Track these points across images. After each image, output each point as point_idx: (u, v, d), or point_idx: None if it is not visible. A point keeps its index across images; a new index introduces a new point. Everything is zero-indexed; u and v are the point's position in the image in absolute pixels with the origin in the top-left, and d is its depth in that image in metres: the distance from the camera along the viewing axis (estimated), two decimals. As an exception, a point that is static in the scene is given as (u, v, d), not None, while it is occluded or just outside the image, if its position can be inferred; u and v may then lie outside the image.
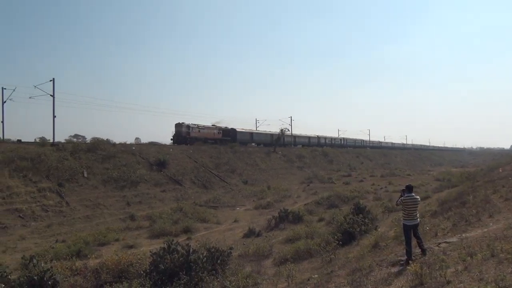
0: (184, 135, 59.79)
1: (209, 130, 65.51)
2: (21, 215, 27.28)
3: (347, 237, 16.83)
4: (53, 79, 44.48)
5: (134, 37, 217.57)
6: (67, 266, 16.32)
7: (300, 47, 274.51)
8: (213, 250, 14.34)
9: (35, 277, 13.77)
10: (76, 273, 15.93)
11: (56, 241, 23.64)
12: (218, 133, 67.31)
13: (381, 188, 41.98)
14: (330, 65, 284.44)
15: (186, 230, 25.77)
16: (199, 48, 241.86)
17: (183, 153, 51.70)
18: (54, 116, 44.13)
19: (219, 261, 13.87)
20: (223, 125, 71.99)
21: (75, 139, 63.05)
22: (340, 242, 15.17)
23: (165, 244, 14.73)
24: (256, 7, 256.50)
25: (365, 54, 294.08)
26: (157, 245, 19.73)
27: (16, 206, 27.84)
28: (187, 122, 61.52)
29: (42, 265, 15.25)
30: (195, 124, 62.50)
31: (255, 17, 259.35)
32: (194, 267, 12.88)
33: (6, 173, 30.63)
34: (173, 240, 15.40)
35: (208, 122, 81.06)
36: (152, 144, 59.12)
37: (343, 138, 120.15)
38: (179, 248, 14.27)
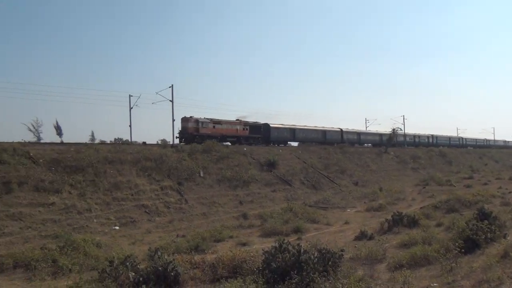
0: (191, 131, 48.90)
1: (229, 126, 54.16)
2: (147, 210, 29.97)
3: (470, 245, 15.46)
4: (172, 85, 48.10)
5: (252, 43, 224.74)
6: (187, 260, 17.49)
7: (406, 41, 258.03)
8: (324, 251, 14.23)
9: (160, 268, 15.02)
10: (195, 266, 16.98)
11: (177, 235, 25.48)
12: (244, 129, 55.79)
13: (510, 192, 37.89)
14: (445, 60, 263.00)
15: (296, 230, 25.95)
16: (306, 49, 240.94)
17: (291, 154, 52.32)
18: (173, 120, 47.82)
19: (330, 263, 13.72)
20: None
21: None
22: (462, 250, 14.03)
23: (277, 243, 15.03)
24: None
25: (487, 47, 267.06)
26: (268, 243, 20.23)
27: (142, 202, 30.65)
28: (197, 116, 50.45)
29: (166, 257, 16.59)
30: (208, 119, 51.30)
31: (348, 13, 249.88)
32: (305, 267, 12.92)
33: (134, 172, 33.87)
34: (284, 240, 15.65)
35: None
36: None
37: (462, 137, 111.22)
38: (290, 247, 14.45)
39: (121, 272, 15.82)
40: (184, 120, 49.42)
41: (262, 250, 15.46)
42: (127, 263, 16.31)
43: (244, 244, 22.69)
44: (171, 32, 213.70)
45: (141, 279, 14.90)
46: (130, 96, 53.45)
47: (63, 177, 29.34)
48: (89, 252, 20.62)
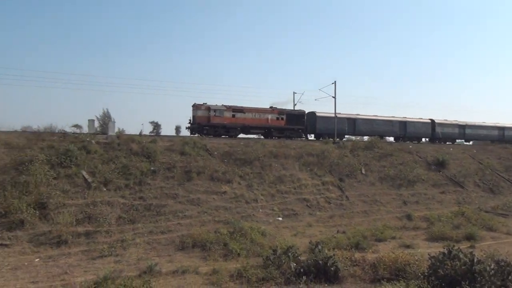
0: (200, 121, 41.97)
1: (255, 115, 44.57)
2: (308, 204, 30.73)
3: None
4: (335, 81, 48.15)
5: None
6: (346, 256, 17.46)
7: None
8: (503, 263, 12.66)
9: (320, 262, 15.31)
10: (355, 264, 16.85)
11: (337, 231, 25.56)
12: (279, 118, 45.54)
13: None
14: None
15: (469, 237, 23.61)
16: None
17: (464, 153, 47.53)
18: (335, 116, 47.85)
19: (510, 277, 12.15)
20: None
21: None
22: None
23: (445, 249, 13.94)
24: None
25: None
26: (435, 248, 18.86)
27: (304, 196, 31.51)
28: (210, 103, 43.13)
29: (326, 251, 16.83)
30: (226, 106, 43.37)
31: None
32: (479, 279, 11.71)
33: (297, 167, 35.03)
34: (453, 246, 14.41)
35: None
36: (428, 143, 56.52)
37: None
38: (461, 255, 13.25)
39: (283, 261, 16.63)
40: (194, 107, 42.45)
41: (428, 255, 14.52)
42: (289, 253, 17.04)
43: (407, 247, 21.60)
44: (330, 29, 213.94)
45: (301, 270, 15.42)
46: (294, 93, 55.56)
47: (234, 168, 32.02)
48: (255, 239, 22.17)
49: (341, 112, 49.15)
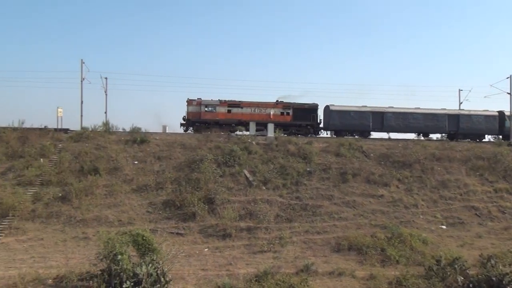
0: (190, 117, 40.22)
1: (255, 110, 40.93)
2: (477, 213, 27.74)
3: None
4: (510, 75, 42.57)
5: None
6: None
7: None
8: None
9: (494, 278, 13.70)
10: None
11: (515, 245, 22.54)
12: (283, 113, 41.16)
13: None
14: None
15: None
16: None
17: None
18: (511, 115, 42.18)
19: None
20: None
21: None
22: None
23: None
24: None
25: None
26: None
27: (472, 203, 28.54)
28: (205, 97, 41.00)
29: (501, 267, 14.98)
30: (221, 100, 40.78)
31: None
32: None
33: (463, 171, 31.92)
34: None
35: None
36: None
37: None
38: None
39: (448, 273, 15.35)
40: (187, 103, 40.66)
41: None
42: (456, 266, 15.66)
43: None
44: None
45: (470, 285, 14.04)
46: (459, 90, 51.18)
47: (391, 171, 30.73)
48: (415, 247, 20.96)
49: (368, 106, 42.30)
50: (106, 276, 16.06)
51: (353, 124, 40.66)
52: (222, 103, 40.64)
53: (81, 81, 36.53)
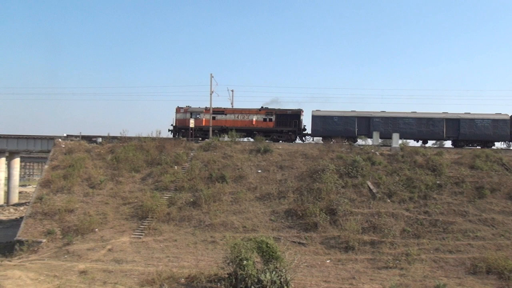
0: (177, 124, 41.29)
1: (238, 117, 40.74)
2: None
3: None
4: None
5: None
6: None
7: None
8: None
9: None
10: None
11: None
12: (266, 120, 40.14)
13: None
14: None
15: None
16: None
17: None
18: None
19: None
20: None
21: None
22: None
23: None
24: None
25: None
26: None
27: None
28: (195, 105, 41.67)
29: None
30: (206, 108, 40.93)
31: None
32: None
33: None
34: None
35: None
36: None
37: None
38: None
39: None
40: (176, 111, 41.62)
41: None
42: None
43: None
44: None
45: None
46: None
47: (539, 187, 27.06)
48: None
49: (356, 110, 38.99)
50: (233, 279, 16.82)
51: (336, 130, 38.02)
52: (207, 110, 41.06)
53: (211, 94, 38.94)
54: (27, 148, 40.95)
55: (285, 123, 39.84)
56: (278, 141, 38.73)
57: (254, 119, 40.38)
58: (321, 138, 38.63)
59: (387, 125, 37.73)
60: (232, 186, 29.30)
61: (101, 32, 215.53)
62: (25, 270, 21.57)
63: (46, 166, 34.06)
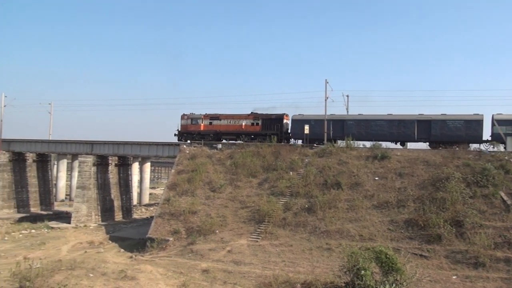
0: (181, 130, 45.44)
1: (230, 121, 43.40)
2: None
3: None
4: None
5: None
6: None
7: None
8: None
9: None
10: None
11: None
12: (254, 124, 42.37)
13: None
14: None
15: None
16: None
17: None
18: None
19: None
20: None
21: None
22: None
23: None
24: None
25: None
26: None
27: None
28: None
29: None
30: (205, 114, 44.78)
31: None
32: None
33: None
34: None
35: None
36: None
37: None
38: None
39: None
40: (181, 117, 46.08)
41: None
42: None
43: None
44: None
45: None
46: None
47: None
48: None
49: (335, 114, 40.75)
50: (350, 289, 16.44)
51: (313, 132, 38.95)
52: (204, 116, 44.74)
53: (325, 100, 38.55)
54: (156, 154, 44.83)
55: (270, 127, 41.71)
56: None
57: (243, 124, 43.02)
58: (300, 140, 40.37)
59: (360, 127, 38.40)
60: (347, 193, 28.69)
61: (219, 42, 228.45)
62: (155, 265, 23.64)
63: (172, 170, 37.06)
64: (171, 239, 28.92)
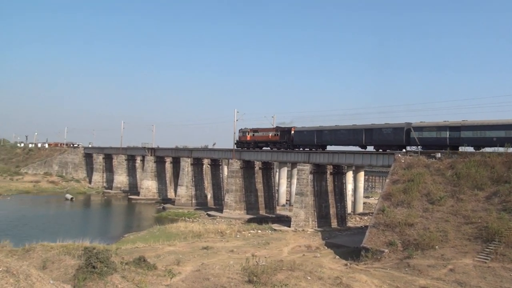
0: (238, 139, 61.97)
1: (263, 133, 58.82)
2: None
3: None
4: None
5: None
6: None
7: None
8: None
9: None
10: None
11: None
12: (275, 135, 56.72)
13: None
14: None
15: None
16: None
17: None
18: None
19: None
20: None
21: None
22: None
23: None
24: None
25: None
26: None
27: None
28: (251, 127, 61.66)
29: None
30: (252, 128, 61.01)
31: None
32: None
33: None
34: None
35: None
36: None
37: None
38: None
39: None
40: (239, 131, 62.41)
41: None
42: None
43: None
44: None
45: None
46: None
47: None
48: None
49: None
50: None
51: (305, 140, 51.79)
52: (250, 130, 60.05)
53: None
54: (370, 163, 44.45)
55: (284, 137, 54.43)
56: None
57: (270, 135, 56.79)
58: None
59: (331, 135, 48.61)
60: None
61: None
62: (370, 276, 23.35)
63: (387, 180, 36.04)
64: (386, 250, 28.14)
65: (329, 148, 50.12)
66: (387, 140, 42.08)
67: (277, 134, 55.55)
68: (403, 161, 36.35)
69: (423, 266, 24.33)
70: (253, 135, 59.09)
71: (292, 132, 52.89)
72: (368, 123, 45.14)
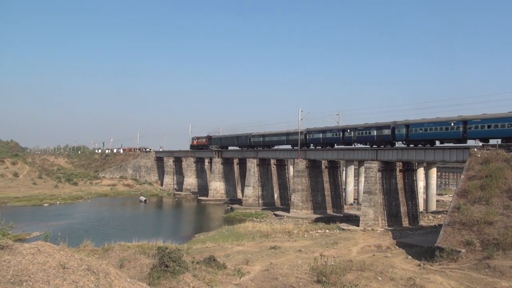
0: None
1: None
2: None
3: None
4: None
5: None
6: None
7: None
8: None
9: None
10: None
11: None
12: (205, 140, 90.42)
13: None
14: None
15: None
16: None
17: None
18: None
19: None
20: None
21: None
22: None
23: None
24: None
25: None
26: None
27: None
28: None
29: None
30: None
31: None
32: None
33: None
34: None
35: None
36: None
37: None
38: None
39: None
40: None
41: None
42: None
43: None
44: None
45: None
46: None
47: None
48: None
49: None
50: None
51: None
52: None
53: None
54: (443, 159, 42.21)
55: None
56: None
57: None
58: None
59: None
60: None
61: None
62: (445, 277, 22.22)
63: (462, 176, 34.01)
64: (463, 250, 26.62)
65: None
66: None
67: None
68: (479, 155, 34.12)
69: (505, 267, 22.72)
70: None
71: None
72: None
